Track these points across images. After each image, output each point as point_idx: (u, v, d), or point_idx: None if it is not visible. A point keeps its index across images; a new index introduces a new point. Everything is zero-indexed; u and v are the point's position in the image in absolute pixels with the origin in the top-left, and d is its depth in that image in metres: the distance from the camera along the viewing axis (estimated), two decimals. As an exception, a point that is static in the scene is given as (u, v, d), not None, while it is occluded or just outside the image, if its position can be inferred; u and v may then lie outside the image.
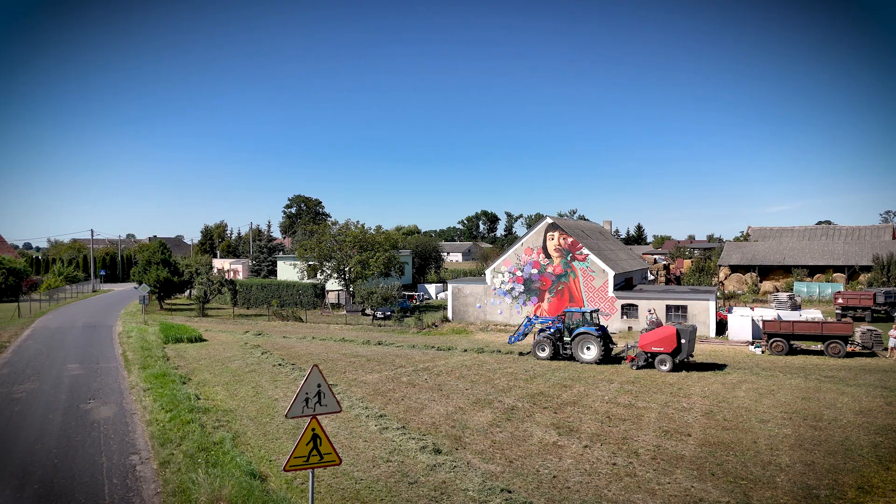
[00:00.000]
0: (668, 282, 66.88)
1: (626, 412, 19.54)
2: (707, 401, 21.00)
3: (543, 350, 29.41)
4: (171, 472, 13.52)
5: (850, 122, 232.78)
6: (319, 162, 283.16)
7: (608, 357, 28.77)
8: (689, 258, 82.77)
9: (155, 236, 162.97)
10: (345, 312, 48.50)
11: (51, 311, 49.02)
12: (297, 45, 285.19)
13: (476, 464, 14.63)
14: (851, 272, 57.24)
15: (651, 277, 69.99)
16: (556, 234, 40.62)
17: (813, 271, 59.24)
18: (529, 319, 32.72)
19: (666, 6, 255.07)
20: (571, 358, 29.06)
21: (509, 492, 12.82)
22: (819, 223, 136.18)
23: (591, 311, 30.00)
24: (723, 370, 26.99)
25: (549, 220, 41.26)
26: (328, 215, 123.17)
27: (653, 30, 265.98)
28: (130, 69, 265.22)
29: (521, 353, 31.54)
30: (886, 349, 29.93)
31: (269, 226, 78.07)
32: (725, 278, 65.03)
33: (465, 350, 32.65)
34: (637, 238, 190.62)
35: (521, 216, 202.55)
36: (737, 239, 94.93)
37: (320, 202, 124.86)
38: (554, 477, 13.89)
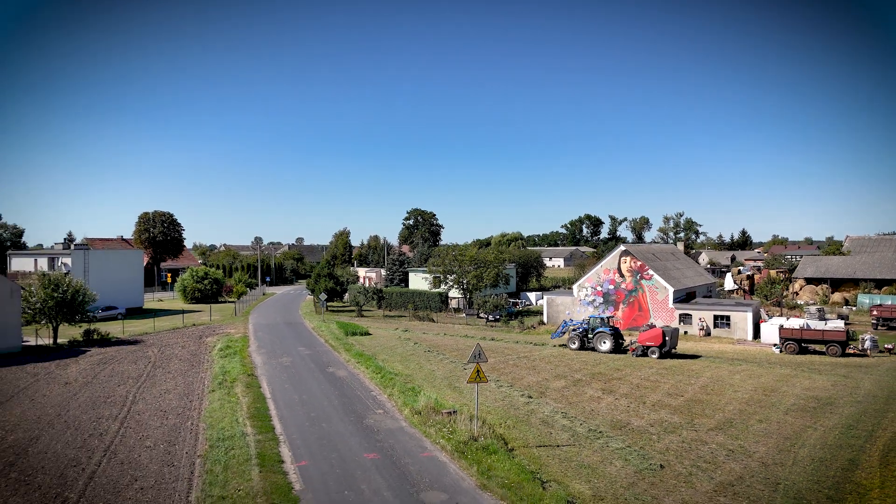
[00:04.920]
0: (745, 293, 74.79)
1: (650, 384, 31.30)
2: (709, 380, 32.18)
3: (574, 343, 41.28)
4: (395, 398, 27.30)
5: None
6: (426, 160, 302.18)
7: (618, 349, 40.09)
8: (777, 268, 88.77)
9: (297, 241, 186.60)
10: (464, 315, 62.34)
11: (251, 311, 66.70)
12: (407, 54, 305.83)
13: (551, 403, 27.30)
14: (914, 285, 63.14)
15: (734, 287, 78.12)
16: (629, 258, 51.82)
17: (881, 284, 65.52)
18: (565, 322, 44.57)
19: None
20: (593, 349, 40.62)
21: (566, 413, 25.46)
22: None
23: (609, 317, 41.83)
24: (700, 359, 37.50)
25: (622, 248, 52.62)
26: (441, 227, 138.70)
27: (769, 26, 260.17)
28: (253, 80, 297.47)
29: (562, 346, 43.26)
30: (882, 351, 38.91)
31: (399, 243, 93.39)
32: (800, 289, 72.21)
33: (555, 346, 44.93)
34: (742, 243, 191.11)
35: (625, 219, 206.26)
36: (827, 250, 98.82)
37: (434, 215, 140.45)
38: (592, 410, 26.28)
